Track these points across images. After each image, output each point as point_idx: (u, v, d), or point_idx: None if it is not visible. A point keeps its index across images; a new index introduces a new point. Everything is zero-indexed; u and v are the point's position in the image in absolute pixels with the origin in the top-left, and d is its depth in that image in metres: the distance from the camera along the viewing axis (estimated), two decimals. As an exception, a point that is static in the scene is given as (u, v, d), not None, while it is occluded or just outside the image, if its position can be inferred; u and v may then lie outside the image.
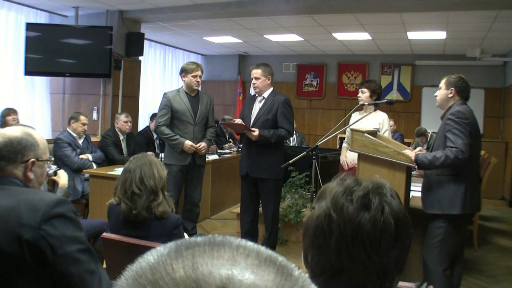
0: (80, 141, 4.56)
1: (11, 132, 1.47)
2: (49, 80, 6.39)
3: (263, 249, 0.39)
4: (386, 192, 0.87)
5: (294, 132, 4.45)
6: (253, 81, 3.71)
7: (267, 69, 3.70)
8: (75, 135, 4.50)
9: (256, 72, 3.68)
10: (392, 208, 0.84)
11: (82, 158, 4.40)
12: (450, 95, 2.84)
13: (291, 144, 6.68)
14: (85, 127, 4.59)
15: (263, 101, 3.71)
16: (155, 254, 0.37)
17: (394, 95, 8.55)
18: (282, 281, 0.36)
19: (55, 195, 1.41)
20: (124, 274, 0.36)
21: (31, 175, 1.47)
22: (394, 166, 2.73)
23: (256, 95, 3.78)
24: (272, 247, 3.74)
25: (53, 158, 1.84)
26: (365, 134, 2.87)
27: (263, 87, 3.69)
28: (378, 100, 3.74)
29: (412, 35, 6.70)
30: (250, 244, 0.39)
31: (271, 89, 3.75)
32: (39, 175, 1.51)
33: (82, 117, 4.54)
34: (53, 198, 1.34)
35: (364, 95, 3.74)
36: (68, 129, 4.54)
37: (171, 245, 0.39)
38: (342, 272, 0.83)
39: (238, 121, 3.73)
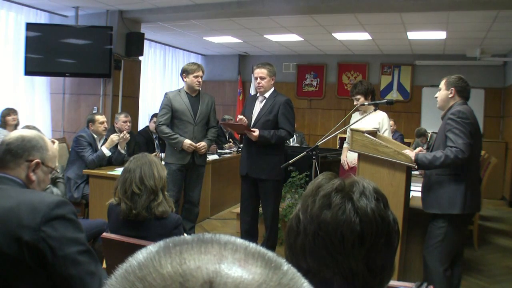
0: (99, 144, 4.44)
1: (26, 132, 1.55)
2: (49, 80, 6.38)
3: (252, 245, 0.39)
4: (355, 189, 0.84)
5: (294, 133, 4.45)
6: (258, 80, 3.68)
7: (272, 68, 3.71)
8: (96, 136, 4.42)
9: (262, 72, 3.67)
10: (358, 207, 0.81)
11: (98, 156, 4.26)
12: (450, 95, 2.84)
13: (291, 144, 6.67)
14: (105, 124, 4.47)
15: (264, 101, 3.71)
16: (145, 252, 0.38)
17: (394, 95, 8.55)
18: (270, 274, 0.36)
19: (56, 197, 1.41)
20: (114, 273, 0.37)
21: (33, 177, 1.47)
22: (394, 166, 2.73)
23: (257, 95, 3.78)
24: (272, 248, 3.74)
25: (58, 170, 1.88)
26: (365, 134, 2.87)
27: (268, 87, 3.69)
28: (374, 97, 3.75)
29: (412, 35, 6.70)
30: (239, 240, 0.39)
31: (273, 89, 3.74)
32: (41, 179, 1.51)
33: (97, 117, 4.44)
34: (53, 199, 1.34)
35: (359, 101, 3.74)
36: (90, 129, 4.41)
37: (160, 243, 0.39)
38: (308, 273, 0.82)
39: (241, 117, 3.70)
